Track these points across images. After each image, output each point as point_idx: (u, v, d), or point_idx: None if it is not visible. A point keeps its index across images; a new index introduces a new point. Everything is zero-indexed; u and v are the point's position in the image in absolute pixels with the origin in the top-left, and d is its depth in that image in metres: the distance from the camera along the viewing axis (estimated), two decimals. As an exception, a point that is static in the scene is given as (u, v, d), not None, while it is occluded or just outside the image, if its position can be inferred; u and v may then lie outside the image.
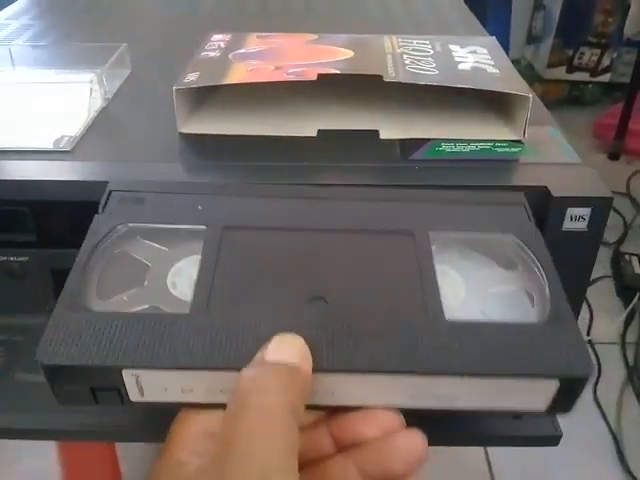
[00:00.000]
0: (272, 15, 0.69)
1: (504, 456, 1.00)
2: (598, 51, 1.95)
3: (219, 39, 0.47)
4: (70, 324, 0.24)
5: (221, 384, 0.23)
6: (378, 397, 0.24)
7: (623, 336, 1.21)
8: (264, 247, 0.28)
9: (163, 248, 0.29)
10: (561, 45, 1.95)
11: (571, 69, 1.99)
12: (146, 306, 0.26)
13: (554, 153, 0.36)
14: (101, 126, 0.40)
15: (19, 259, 0.36)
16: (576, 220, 0.32)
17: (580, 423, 1.03)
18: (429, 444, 0.29)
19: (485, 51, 0.44)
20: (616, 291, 1.29)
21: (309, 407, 0.23)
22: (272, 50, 0.45)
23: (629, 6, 1.80)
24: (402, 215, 0.30)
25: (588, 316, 1.20)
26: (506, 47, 1.81)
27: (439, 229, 0.29)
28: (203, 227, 0.29)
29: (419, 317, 0.25)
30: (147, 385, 0.24)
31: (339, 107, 0.42)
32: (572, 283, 0.34)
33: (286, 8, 0.72)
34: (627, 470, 0.98)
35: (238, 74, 0.40)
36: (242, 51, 0.44)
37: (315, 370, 0.23)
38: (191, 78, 0.40)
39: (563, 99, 2.00)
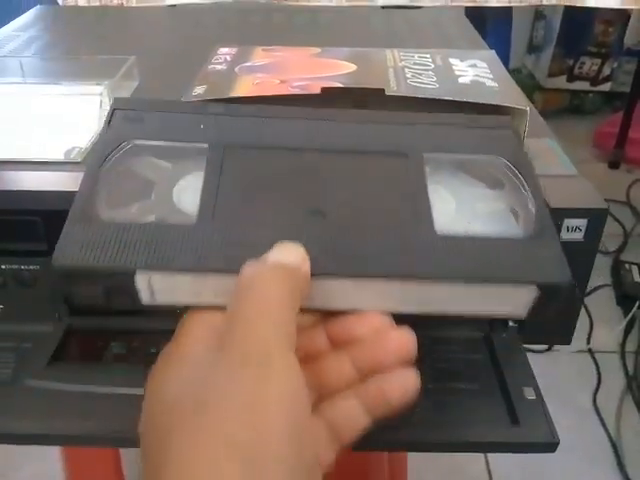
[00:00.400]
0: (276, 28, 0.71)
1: (504, 464, 1.00)
2: (598, 60, 1.96)
3: (225, 52, 0.48)
4: (83, 232, 0.25)
5: (226, 287, 0.24)
6: (371, 301, 0.26)
7: (623, 345, 1.21)
8: (265, 165, 0.30)
9: (167, 164, 0.30)
10: (562, 54, 1.96)
11: (572, 78, 2.00)
12: (153, 218, 0.27)
13: (552, 165, 0.37)
14: (110, 137, 0.40)
15: (30, 267, 0.36)
16: (573, 231, 0.33)
17: (580, 431, 1.04)
18: (428, 451, 0.30)
19: (485, 65, 0.45)
20: (616, 300, 1.30)
21: (306, 310, 0.25)
22: (277, 63, 0.46)
23: (629, 16, 1.82)
24: (398, 137, 0.32)
25: (588, 325, 1.21)
26: (507, 57, 1.83)
27: (432, 150, 0.31)
28: (205, 145, 0.30)
29: (412, 230, 0.27)
30: (158, 288, 0.25)
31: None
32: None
33: (290, 22, 0.73)
34: (627, 478, 0.98)
35: (245, 87, 0.41)
36: (248, 64, 0.46)
37: (313, 274, 0.25)
38: (199, 91, 0.40)
39: (564, 108, 2.02)
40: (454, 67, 0.45)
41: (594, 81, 2.00)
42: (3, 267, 0.37)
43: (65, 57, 0.55)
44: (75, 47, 0.60)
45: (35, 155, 0.37)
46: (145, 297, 0.26)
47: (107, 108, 0.43)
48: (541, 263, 0.26)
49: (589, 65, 1.97)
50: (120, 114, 0.32)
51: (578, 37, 1.93)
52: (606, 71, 1.98)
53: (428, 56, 0.47)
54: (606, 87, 2.01)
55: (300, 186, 0.29)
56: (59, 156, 0.37)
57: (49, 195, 0.34)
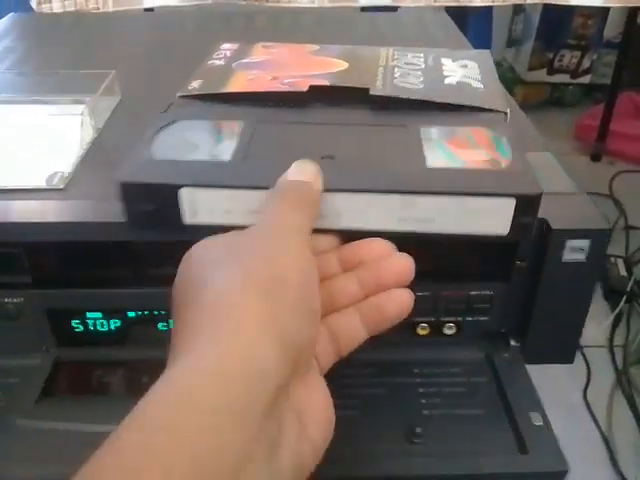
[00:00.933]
0: (260, 32, 0.69)
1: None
2: (578, 53, 1.97)
3: (227, 48, 0.50)
4: (141, 162, 0.32)
5: (253, 205, 0.30)
6: (374, 220, 0.30)
7: (611, 339, 1.22)
8: (289, 133, 0.37)
9: (210, 133, 0.38)
10: (541, 48, 1.97)
11: (552, 71, 2.00)
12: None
13: (551, 181, 0.36)
14: (94, 159, 0.39)
15: (14, 300, 0.35)
16: (575, 252, 0.32)
17: (571, 427, 1.04)
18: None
19: (475, 65, 0.46)
20: (603, 294, 1.30)
21: (321, 233, 0.30)
22: (273, 60, 0.47)
23: (608, 8, 1.83)
24: (399, 114, 0.38)
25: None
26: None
27: (429, 125, 0.37)
28: (241, 122, 0.37)
29: (407, 165, 0.32)
30: (199, 206, 0.31)
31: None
32: (572, 313, 0.35)
33: (273, 25, 0.71)
34: (619, 473, 0.99)
35: (238, 83, 0.42)
36: (245, 60, 0.47)
37: (326, 189, 0.29)
38: (194, 85, 0.41)
39: (544, 101, 2.02)
40: (444, 67, 0.45)
41: (574, 74, 2.01)
42: (-14, 300, 0.35)
43: (43, 72, 0.53)
44: (52, 58, 0.58)
45: (15, 182, 0.36)
46: (188, 216, 0.31)
47: (89, 127, 0.42)
48: (517, 181, 0.31)
49: (569, 58, 1.98)
50: (175, 106, 0.39)
51: (557, 30, 1.94)
52: (586, 64, 1.98)
53: (421, 55, 0.48)
54: (586, 79, 2.01)
55: (316, 145, 0.35)
56: (41, 183, 0.35)
57: (32, 226, 0.33)
